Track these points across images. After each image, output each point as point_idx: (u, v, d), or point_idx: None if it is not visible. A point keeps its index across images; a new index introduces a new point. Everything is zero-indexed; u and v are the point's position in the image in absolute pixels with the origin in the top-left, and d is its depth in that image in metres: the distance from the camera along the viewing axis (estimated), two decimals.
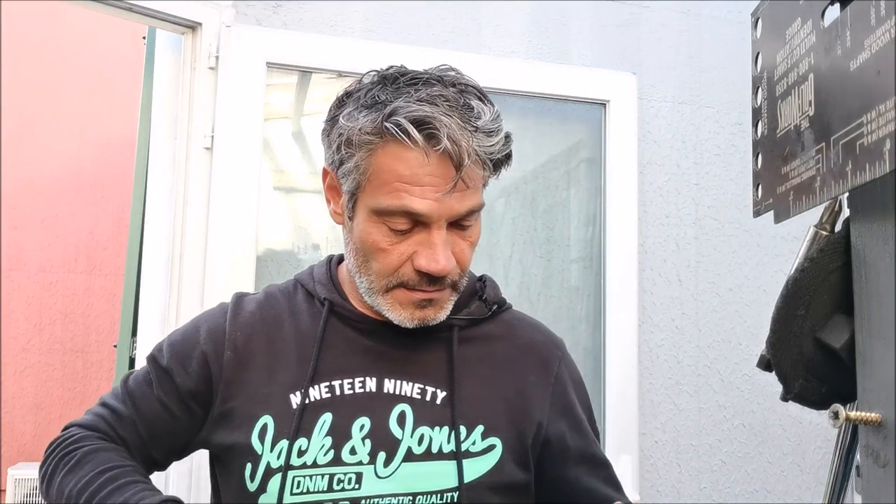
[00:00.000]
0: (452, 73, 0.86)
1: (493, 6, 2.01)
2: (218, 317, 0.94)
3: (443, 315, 0.88)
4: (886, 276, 0.59)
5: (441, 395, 0.89)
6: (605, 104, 2.01)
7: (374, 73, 0.86)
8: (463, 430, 0.87)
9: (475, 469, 0.87)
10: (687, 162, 2.11)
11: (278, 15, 1.84)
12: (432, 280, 0.84)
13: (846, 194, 0.63)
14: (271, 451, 0.85)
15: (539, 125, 2.04)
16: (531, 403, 0.92)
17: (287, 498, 0.83)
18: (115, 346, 2.13)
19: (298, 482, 0.84)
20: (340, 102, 0.86)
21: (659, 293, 2.05)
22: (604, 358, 1.96)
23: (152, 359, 0.94)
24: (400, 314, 0.86)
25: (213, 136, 1.71)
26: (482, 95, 0.85)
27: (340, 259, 0.99)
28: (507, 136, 0.85)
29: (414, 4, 1.94)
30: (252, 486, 0.85)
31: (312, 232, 1.89)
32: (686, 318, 2.07)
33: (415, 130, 0.77)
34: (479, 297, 0.96)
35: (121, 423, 0.92)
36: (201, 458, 1.64)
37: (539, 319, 1.04)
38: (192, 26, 1.73)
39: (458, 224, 0.84)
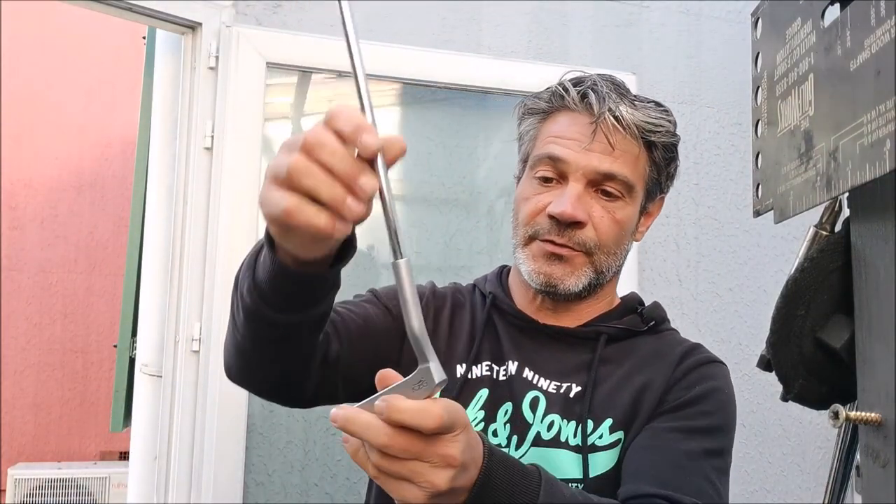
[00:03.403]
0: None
1: (493, 6, 2.01)
2: (420, 287, 1.02)
3: (573, 283, 0.90)
4: (886, 276, 0.59)
5: (575, 389, 0.91)
6: None
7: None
8: (591, 424, 0.88)
9: (601, 463, 0.87)
10: (687, 162, 2.11)
11: (278, 15, 1.84)
12: (561, 229, 0.88)
13: (846, 194, 0.63)
14: None
15: None
16: (652, 396, 0.90)
17: None
18: (115, 346, 2.13)
19: None
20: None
21: (659, 293, 2.05)
22: None
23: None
24: (530, 266, 0.91)
25: (213, 136, 1.71)
26: (654, 101, 0.95)
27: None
28: (669, 129, 0.92)
29: (414, 4, 1.94)
30: None
31: None
32: (686, 318, 2.06)
33: (572, 88, 0.91)
34: (637, 312, 0.99)
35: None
36: (203, 456, 1.64)
37: None
38: (192, 26, 1.73)
39: (602, 191, 0.89)
